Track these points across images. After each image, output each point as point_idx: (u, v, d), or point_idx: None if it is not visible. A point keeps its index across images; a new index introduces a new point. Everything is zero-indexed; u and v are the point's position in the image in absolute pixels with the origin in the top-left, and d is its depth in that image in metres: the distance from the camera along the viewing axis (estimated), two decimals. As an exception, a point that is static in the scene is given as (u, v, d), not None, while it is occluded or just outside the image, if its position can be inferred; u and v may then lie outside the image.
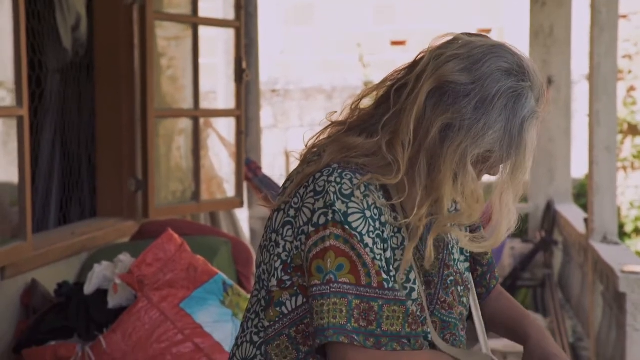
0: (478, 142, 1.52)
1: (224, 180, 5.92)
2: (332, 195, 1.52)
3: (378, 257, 1.52)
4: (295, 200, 1.56)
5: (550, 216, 6.81)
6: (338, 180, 1.53)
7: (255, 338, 1.61)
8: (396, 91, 1.58)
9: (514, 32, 9.88)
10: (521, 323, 1.76)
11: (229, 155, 6.02)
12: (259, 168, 5.58)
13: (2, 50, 3.38)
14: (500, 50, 1.57)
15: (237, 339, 1.66)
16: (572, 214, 6.39)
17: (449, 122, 1.52)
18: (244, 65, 5.03)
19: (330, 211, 1.51)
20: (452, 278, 1.66)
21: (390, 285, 1.51)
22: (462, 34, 1.60)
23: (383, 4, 10.32)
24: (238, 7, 5.01)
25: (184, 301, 3.20)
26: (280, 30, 10.21)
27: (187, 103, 4.87)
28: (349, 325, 1.48)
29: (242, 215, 6.43)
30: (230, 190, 5.62)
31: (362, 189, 1.53)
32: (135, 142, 4.41)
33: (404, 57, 10.24)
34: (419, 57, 1.59)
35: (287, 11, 10.27)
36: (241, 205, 5.13)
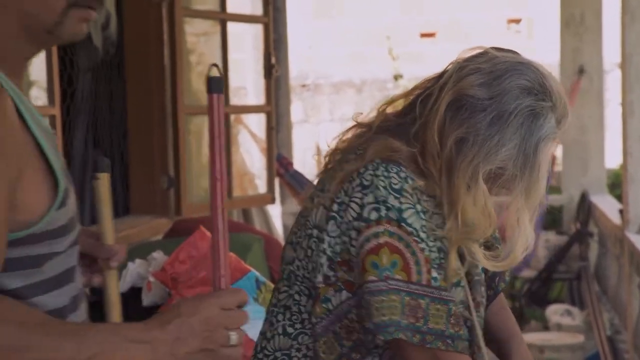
0: (490, 159, 1.53)
1: (256, 176, 5.92)
2: (382, 190, 1.51)
3: (434, 250, 1.52)
4: (340, 195, 1.55)
5: (585, 207, 6.75)
6: (385, 174, 1.52)
7: (290, 330, 1.62)
8: (422, 102, 1.58)
9: (544, 21, 9.80)
10: (507, 343, 1.77)
11: (260, 151, 6.02)
12: (290, 163, 5.57)
13: (33, 51, 3.39)
14: (524, 67, 1.56)
15: (264, 333, 1.66)
16: (607, 205, 6.33)
17: (463, 136, 1.53)
18: (273, 60, 5.03)
19: (384, 207, 1.50)
20: (477, 278, 1.67)
21: (437, 284, 1.51)
22: (492, 48, 1.60)
23: (412, -4, 10.28)
24: (266, 2, 5.00)
25: (217, 299, 3.19)
26: (308, 24, 10.21)
27: (217, 99, 4.87)
28: (402, 322, 1.49)
29: (275, 211, 6.43)
30: (261, 187, 5.62)
31: (410, 181, 1.53)
32: (166, 139, 4.42)
33: (433, 49, 10.23)
34: (447, 67, 1.60)
35: (315, 5, 10.26)
36: (273, 201, 5.13)
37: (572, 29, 6.98)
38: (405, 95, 1.64)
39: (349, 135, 1.66)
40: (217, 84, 1.36)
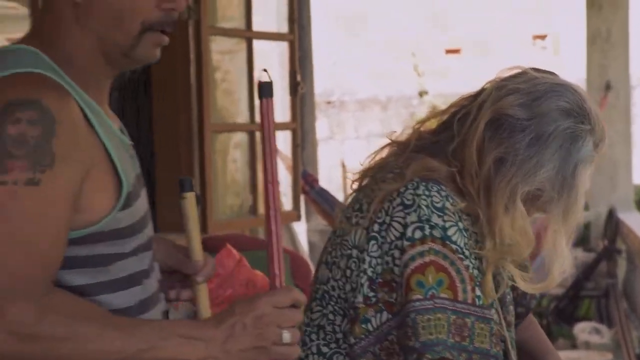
0: (529, 180, 1.53)
1: (281, 193, 5.92)
2: (425, 208, 1.51)
3: (476, 268, 1.52)
4: (380, 215, 1.55)
5: (613, 224, 6.70)
6: (427, 193, 1.52)
7: (325, 349, 1.62)
8: (459, 120, 1.59)
9: (570, 37, 9.77)
10: (544, 357, 1.79)
11: (285, 168, 6.03)
12: (316, 180, 5.57)
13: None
14: (563, 89, 1.56)
15: None
16: (635, 221, 6.28)
17: (502, 155, 1.53)
18: (299, 78, 5.04)
19: (427, 225, 1.50)
20: (509, 297, 1.67)
21: (481, 302, 1.51)
22: (531, 68, 1.60)
23: (437, 12, 10.28)
24: (291, 20, 5.02)
25: (244, 317, 3.19)
26: (334, 41, 10.24)
27: (242, 116, 4.89)
28: (449, 340, 1.48)
29: (300, 228, 6.43)
30: (287, 204, 5.63)
31: (451, 200, 1.53)
32: (192, 157, 4.44)
33: (458, 65, 10.23)
34: (484, 86, 1.60)
35: (341, 22, 10.29)
36: (298, 218, 5.13)
37: (598, 45, 6.95)
38: (441, 113, 1.65)
39: (384, 153, 1.65)
40: (268, 89, 1.38)
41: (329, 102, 10.09)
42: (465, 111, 1.59)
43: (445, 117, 1.63)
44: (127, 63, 1.41)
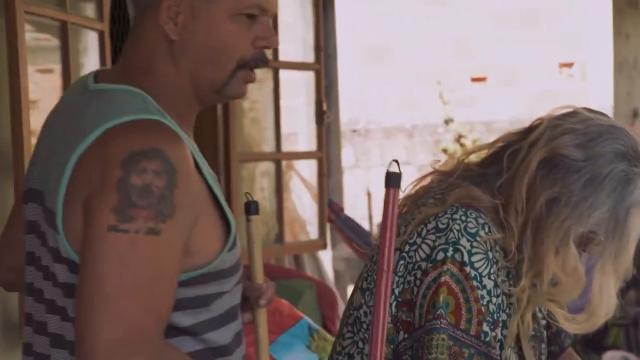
0: (582, 221, 1.52)
1: (307, 222, 5.93)
2: (456, 232, 1.51)
3: (493, 302, 1.51)
4: (412, 236, 1.56)
5: (641, 252, 6.64)
6: (463, 218, 1.53)
7: None
8: (509, 155, 1.58)
9: (597, 65, 9.74)
10: None
11: (311, 197, 6.03)
12: (342, 209, 5.57)
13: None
14: (618, 132, 1.56)
15: None
16: (663, 250, 6.21)
17: (555, 195, 1.52)
18: (324, 107, 5.05)
19: (452, 248, 1.51)
20: (533, 334, 1.64)
21: (488, 339, 1.50)
22: (583, 108, 1.60)
23: (462, 41, 10.29)
24: (317, 49, 5.05)
25: (270, 346, 3.19)
26: (359, 69, 10.27)
27: (269, 145, 4.91)
28: None
29: (326, 256, 6.42)
30: (313, 232, 5.63)
31: (487, 229, 1.53)
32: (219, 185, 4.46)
33: (484, 93, 10.20)
34: (535, 123, 1.60)
35: (366, 51, 10.32)
36: (324, 247, 5.13)
37: (625, 73, 6.94)
38: (487, 147, 1.65)
39: (425, 181, 1.66)
40: (396, 180, 1.39)
41: (354, 131, 10.10)
42: (516, 147, 1.58)
43: (491, 150, 1.63)
44: (216, 99, 1.43)
